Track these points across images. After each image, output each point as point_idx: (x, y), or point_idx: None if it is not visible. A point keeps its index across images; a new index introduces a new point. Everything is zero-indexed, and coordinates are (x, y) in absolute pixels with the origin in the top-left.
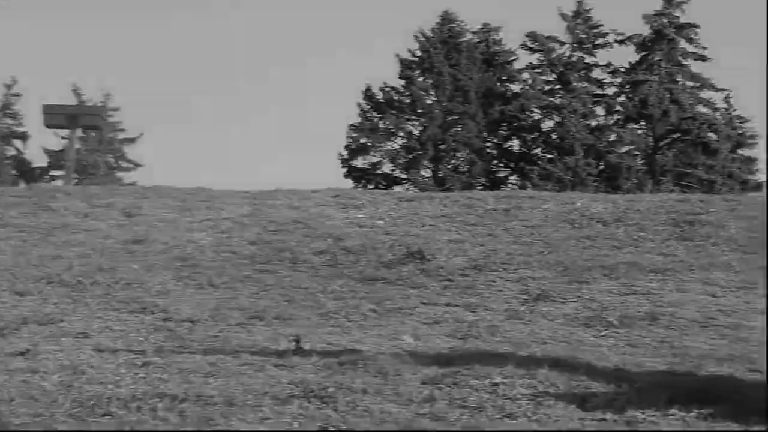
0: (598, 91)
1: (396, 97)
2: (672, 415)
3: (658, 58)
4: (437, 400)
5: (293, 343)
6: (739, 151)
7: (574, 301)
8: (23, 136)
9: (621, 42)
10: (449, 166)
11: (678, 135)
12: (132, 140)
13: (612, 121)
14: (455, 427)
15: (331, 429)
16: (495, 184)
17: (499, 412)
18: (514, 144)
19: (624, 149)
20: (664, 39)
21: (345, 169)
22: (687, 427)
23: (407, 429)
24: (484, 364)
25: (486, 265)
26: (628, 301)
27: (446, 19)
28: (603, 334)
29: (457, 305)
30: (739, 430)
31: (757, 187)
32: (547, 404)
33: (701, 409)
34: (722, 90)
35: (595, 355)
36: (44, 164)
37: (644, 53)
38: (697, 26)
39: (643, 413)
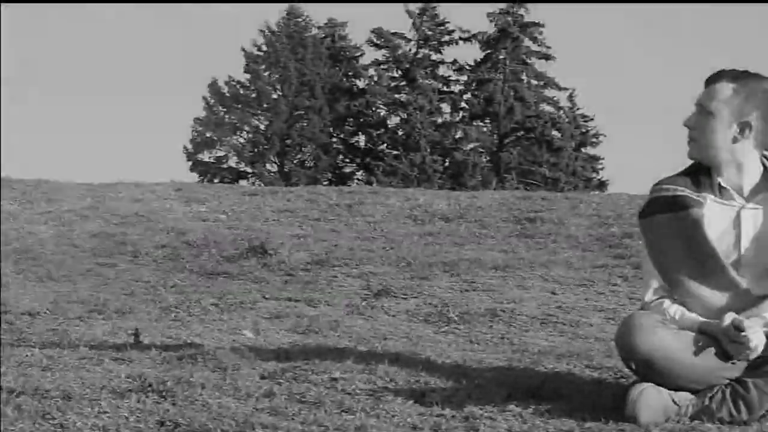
0: (443, 88)
1: (242, 92)
2: (509, 411)
3: (503, 57)
4: (276, 395)
5: (132, 337)
6: (583, 150)
7: (416, 297)
8: None
9: (466, 40)
10: (295, 161)
11: (523, 133)
12: None
13: (457, 119)
14: (294, 422)
15: (168, 423)
16: (341, 179)
17: (337, 407)
18: (360, 140)
19: (469, 146)
20: (508, 37)
21: (190, 163)
22: (523, 422)
23: (245, 423)
24: (323, 359)
25: (328, 261)
26: (469, 298)
27: (292, 13)
28: (443, 330)
29: (298, 300)
30: (575, 425)
31: (600, 185)
32: (386, 399)
33: (539, 405)
34: (566, 89)
35: (436, 351)
36: None
37: (489, 51)
38: (541, 25)
39: (482, 409)
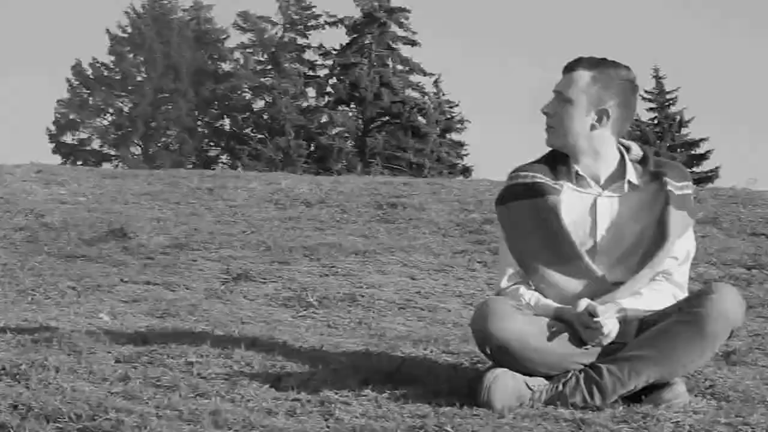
0: (309, 73)
1: (106, 74)
2: (365, 395)
3: (369, 42)
4: (131, 379)
5: None
6: (448, 136)
7: (275, 282)
8: None
9: (333, 24)
10: (159, 144)
11: (388, 118)
12: None
13: (323, 103)
14: (148, 406)
15: (21, 407)
16: (206, 163)
17: (192, 391)
18: (225, 123)
19: (335, 131)
20: (375, 22)
21: (53, 145)
22: (378, 407)
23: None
24: (180, 343)
25: (188, 244)
26: (329, 282)
27: None
28: (302, 314)
29: (157, 284)
30: (430, 410)
31: (465, 171)
32: (242, 384)
33: (394, 389)
34: (432, 74)
35: (293, 336)
36: None
37: (355, 36)
38: (407, 10)
39: (337, 393)
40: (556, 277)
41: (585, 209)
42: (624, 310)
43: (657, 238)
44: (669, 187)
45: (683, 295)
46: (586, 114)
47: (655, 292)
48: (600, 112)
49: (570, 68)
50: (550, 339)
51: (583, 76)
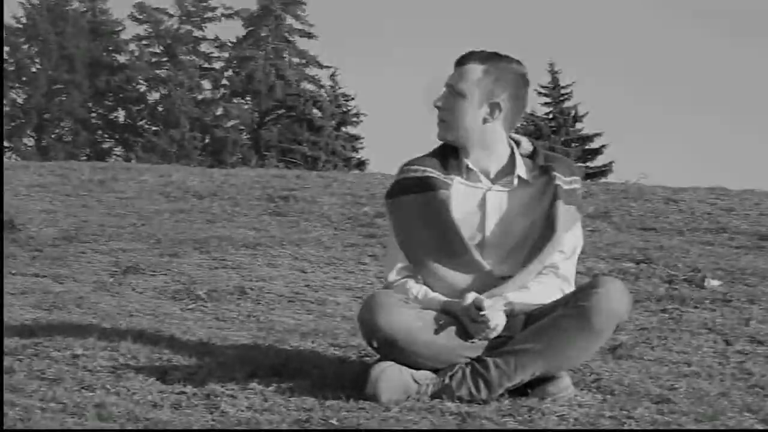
0: (205, 65)
1: None
2: (251, 388)
3: (265, 34)
4: (16, 372)
5: None
6: (343, 129)
7: (164, 275)
8: None
9: (229, 16)
10: (53, 136)
11: (283, 111)
12: None
13: (219, 96)
14: (32, 399)
15: None
16: (99, 155)
17: (77, 384)
18: (120, 115)
19: (230, 123)
20: (271, 14)
21: None
22: (265, 400)
23: None
24: (66, 335)
25: (77, 237)
26: (218, 275)
27: None
28: (190, 307)
29: (45, 276)
30: (316, 403)
31: (360, 164)
32: (128, 377)
33: (281, 383)
34: (328, 67)
35: (181, 329)
36: None
37: (252, 28)
38: (303, 3)
39: (223, 386)
40: (444, 272)
41: (475, 203)
42: (511, 304)
43: (545, 231)
44: (558, 182)
45: (570, 288)
46: (478, 107)
47: (543, 285)
48: (492, 105)
49: (462, 62)
50: (437, 332)
51: (475, 69)
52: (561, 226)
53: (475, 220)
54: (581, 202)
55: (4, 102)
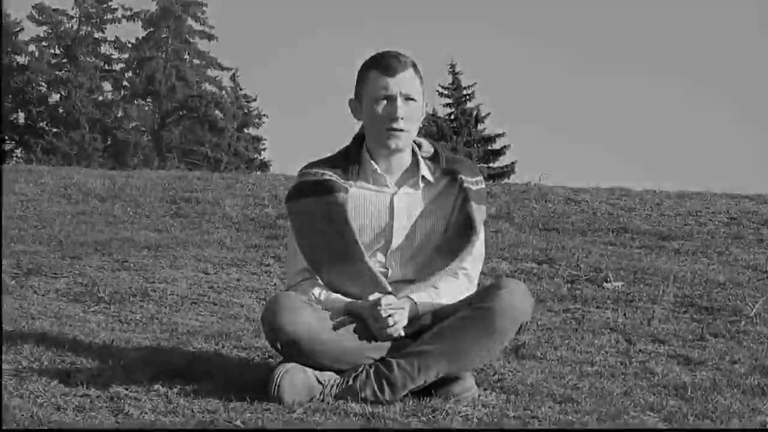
0: (105, 67)
1: None
2: (155, 391)
3: (166, 35)
4: None
5: None
6: (245, 130)
7: (66, 277)
8: None
9: (129, 18)
10: None
11: (185, 112)
12: None
13: (119, 97)
14: None
15: None
16: None
17: None
18: (20, 117)
19: (131, 125)
20: (171, 16)
21: None
22: (169, 402)
23: None
24: None
25: None
26: (121, 277)
27: None
28: (93, 309)
29: None
30: (220, 405)
31: (262, 165)
32: (31, 379)
33: (185, 385)
34: (229, 69)
35: (84, 331)
36: None
37: (151, 30)
38: (204, 4)
39: (127, 389)
40: (342, 275)
41: (381, 207)
42: (415, 305)
43: (464, 233)
44: (466, 184)
45: (474, 289)
46: (422, 112)
47: (447, 286)
48: (425, 108)
49: (396, 68)
50: (340, 333)
51: (412, 74)
52: (480, 227)
53: (381, 223)
54: (486, 203)
55: None
